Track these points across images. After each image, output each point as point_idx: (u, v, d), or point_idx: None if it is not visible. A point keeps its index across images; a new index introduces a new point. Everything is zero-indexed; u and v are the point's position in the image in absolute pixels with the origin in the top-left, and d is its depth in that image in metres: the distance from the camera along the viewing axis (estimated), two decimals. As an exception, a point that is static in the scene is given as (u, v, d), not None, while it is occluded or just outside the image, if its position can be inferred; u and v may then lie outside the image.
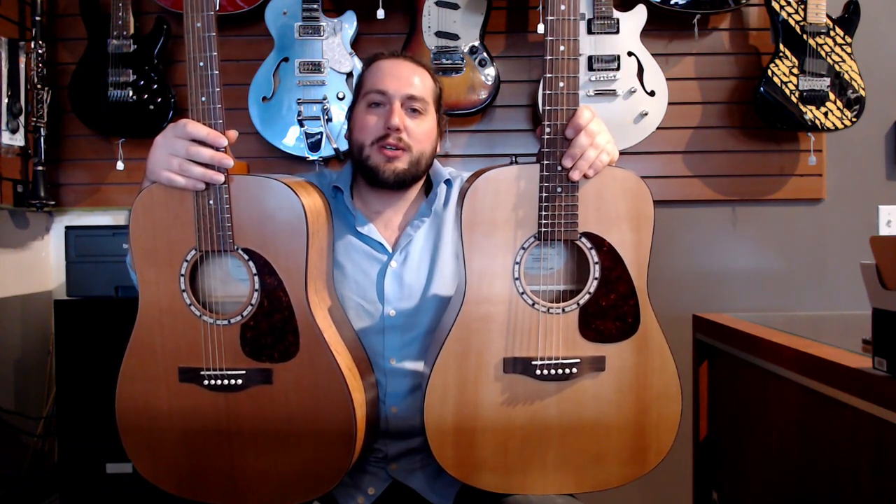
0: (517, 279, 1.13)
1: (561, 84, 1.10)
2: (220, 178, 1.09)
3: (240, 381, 1.14)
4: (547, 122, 1.10)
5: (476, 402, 1.13)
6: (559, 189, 1.10)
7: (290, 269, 1.12)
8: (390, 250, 1.36)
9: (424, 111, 1.36)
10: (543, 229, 1.11)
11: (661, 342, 1.15)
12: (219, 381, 1.14)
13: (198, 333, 1.14)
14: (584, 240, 1.13)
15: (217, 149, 1.09)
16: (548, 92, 1.10)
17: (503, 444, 1.14)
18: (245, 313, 1.13)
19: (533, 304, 1.13)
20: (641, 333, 1.14)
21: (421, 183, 1.42)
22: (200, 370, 1.14)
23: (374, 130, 1.33)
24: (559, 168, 1.10)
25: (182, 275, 1.14)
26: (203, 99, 1.10)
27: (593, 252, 1.13)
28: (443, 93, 1.43)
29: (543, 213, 1.11)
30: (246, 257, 1.12)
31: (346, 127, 1.44)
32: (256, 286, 1.13)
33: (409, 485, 1.32)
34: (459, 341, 1.13)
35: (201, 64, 1.09)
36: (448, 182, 1.43)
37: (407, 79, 1.35)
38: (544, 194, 1.10)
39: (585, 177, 1.10)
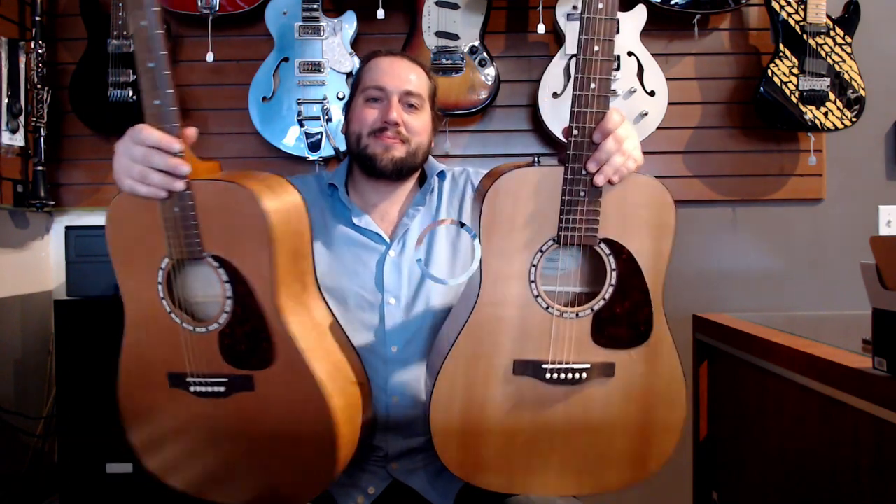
0: (533, 282, 1.11)
1: (592, 85, 1.07)
2: (180, 185, 1.04)
3: (222, 389, 1.12)
4: (575, 124, 1.07)
5: (483, 403, 1.13)
6: (582, 193, 1.08)
7: (259, 275, 1.08)
8: (388, 240, 1.38)
9: (420, 107, 1.40)
10: (563, 233, 1.09)
11: (670, 350, 1.14)
12: (204, 388, 1.12)
13: (180, 340, 1.12)
14: (603, 246, 1.11)
15: (173, 154, 1.04)
16: (578, 93, 1.07)
17: (508, 445, 1.14)
18: (221, 321, 1.11)
19: (547, 308, 1.12)
20: (653, 342, 1.13)
21: (416, 175, 1.46)
22: (186, 376, 1.13)
23: (371, 122, 1.37)
24: (584, 172, 1.08)
25: (159, 283, 1.11)
26: (156, 102, 1.03)
27: (611, 259, 1.11)
28: (437, 91, 1.46)
29: (564, 216, 1.09)
30: (216, 264, 1.09)
31: (342, 121, 1.47)
32: (228, 293, 1.09)
33: (409, 484, 1.32)
34: (470, 342, 1.12)
35: (151, 65, 1.02)
36: (441, 174, 1.47)
37: (404, 76, 1.39)
38: (567, 198, 1.08)
39: (610, 182, 1.08)
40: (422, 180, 1.47)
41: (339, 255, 1.37)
